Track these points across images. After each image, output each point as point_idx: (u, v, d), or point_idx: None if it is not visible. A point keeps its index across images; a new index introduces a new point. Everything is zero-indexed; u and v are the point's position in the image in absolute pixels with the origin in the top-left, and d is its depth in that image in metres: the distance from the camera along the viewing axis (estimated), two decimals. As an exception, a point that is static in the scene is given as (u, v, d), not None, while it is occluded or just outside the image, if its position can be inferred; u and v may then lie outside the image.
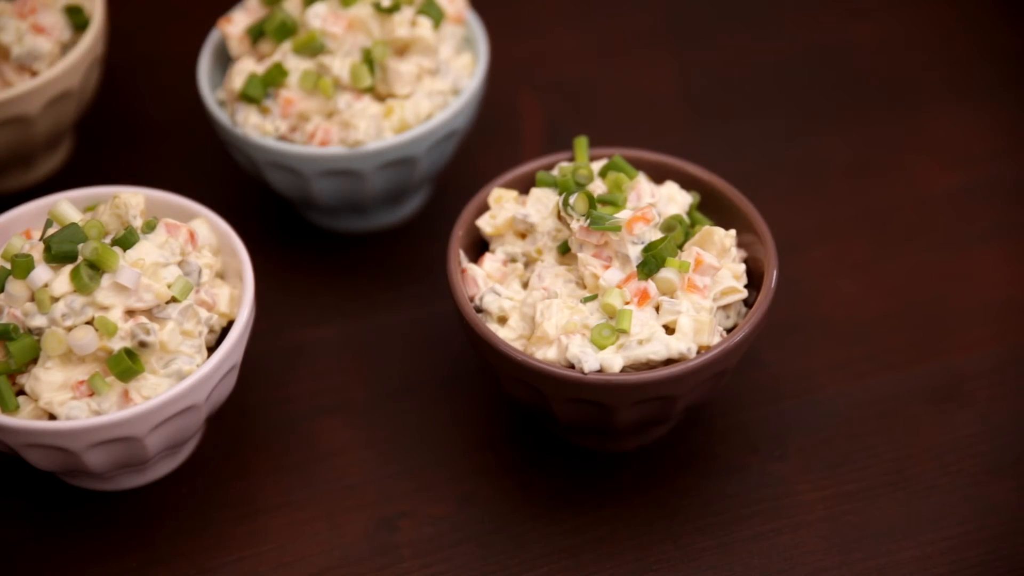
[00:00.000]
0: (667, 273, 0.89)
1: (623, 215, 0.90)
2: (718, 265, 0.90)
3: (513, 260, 0.95)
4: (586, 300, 0.90)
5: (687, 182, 0.98)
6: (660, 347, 0.88)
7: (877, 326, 1.04)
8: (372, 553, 0.93)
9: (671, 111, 1.21)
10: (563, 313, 0.89)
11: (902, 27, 1.27)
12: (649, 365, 0.88)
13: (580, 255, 0.91)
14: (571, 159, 0.98)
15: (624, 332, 0.87)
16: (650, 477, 0.96)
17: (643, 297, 0.88)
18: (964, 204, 1.12)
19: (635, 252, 0.90)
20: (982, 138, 1.17)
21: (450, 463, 0.97)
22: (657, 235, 0.91)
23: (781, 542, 0.92)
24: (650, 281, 0.89)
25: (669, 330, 0.89)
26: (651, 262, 0.89)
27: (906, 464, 0.96)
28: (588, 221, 0.90)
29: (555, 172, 0.96)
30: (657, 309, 0.89)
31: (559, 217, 0.93)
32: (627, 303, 0.89)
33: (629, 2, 1.31)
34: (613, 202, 0.92)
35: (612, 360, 0.87)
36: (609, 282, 0.89)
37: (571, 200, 0.91)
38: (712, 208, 0.97)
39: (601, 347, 0.88)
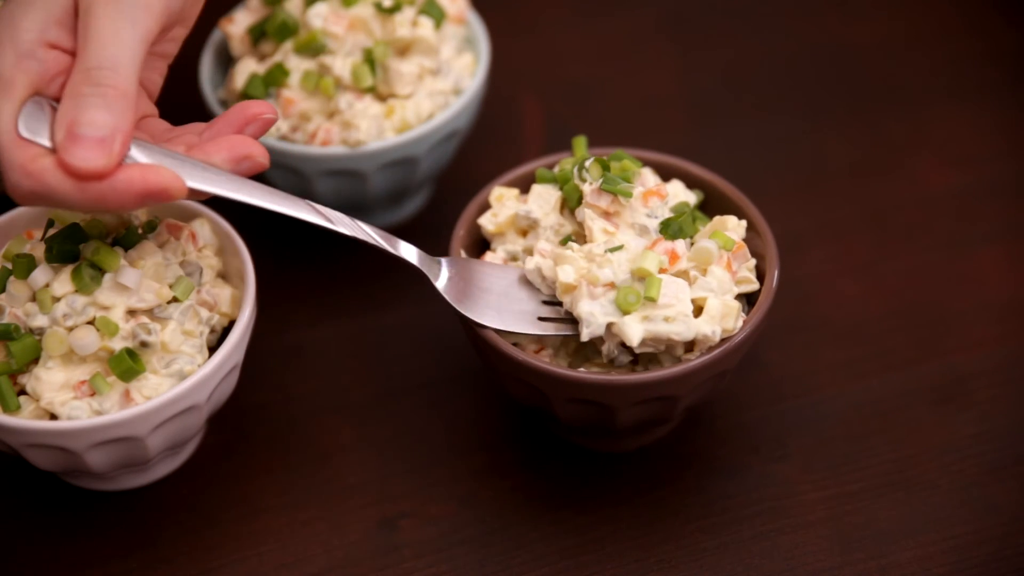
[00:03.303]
0: (707, 244, 0.88)
1: (638, 189, 0.90)
2: (750, 258, 0.90)
3: (514, 258, 0.95)
4: (613, 250, 0.88)
5: (688, 182, 0.98)
6: (682, 327, 0.85)
7: (878, 326, 1.04)
8: (373, 553, 0.93)
9: (672, 111, 1.21)
10: (579, 263, 0.88)
11: (903, 27, 1.27)
12: (668, 343, 0.87)
13: (587, 215, 0.90)
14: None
15: (652, 300, 0.85)
16: (651, 477, 0.96)
17: (673, 257, 0.88)
18: (965, 204, 1.12)
19: (653, 225, 0.89)
20: (983, 138, 1.17)
21: (451, 463, 0.97)
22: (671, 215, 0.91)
23: (782, 542, 0.92)
24: (678, 242, 0.88)
25: (696, 308, 0.88)
26: (673, 226, 0.88)
27: (907, 464, 0.96)
28: (601, 181, 0.89)
29: (556, 171, 0.96)
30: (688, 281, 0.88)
31: (561, 210, 0.93)
32: (663, 270, 0.88)
33: (631, 2, 1.31)
34: (626, 180, 0.91)
35: (633, 328, 0.85)
36: (633, 247, 0.88)
37: (587, 164, 0.91)
38: (713, 208, 0.97)
39: (625, 311, 0.86)
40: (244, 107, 0.86)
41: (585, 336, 0.86)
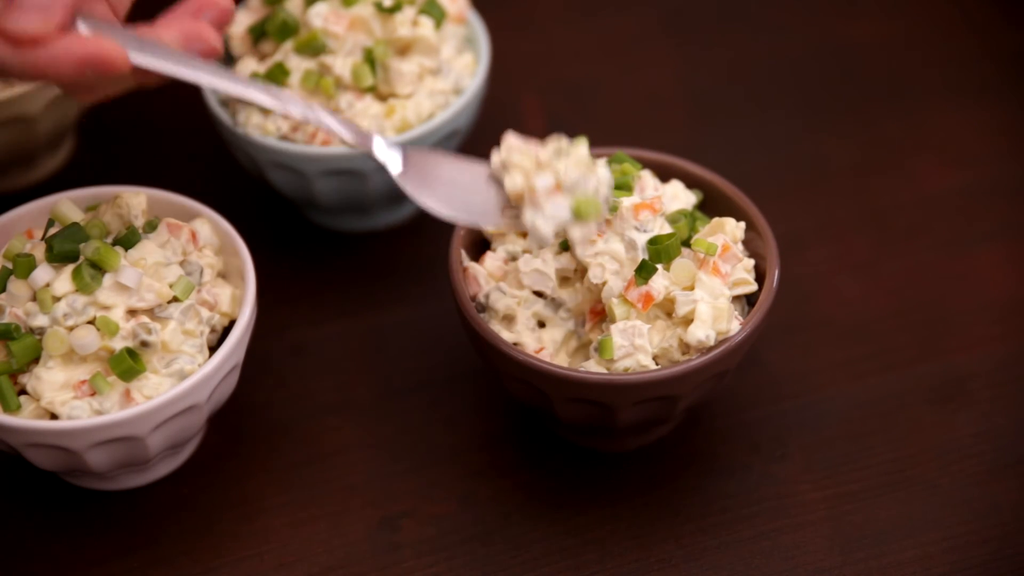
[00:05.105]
0: (683, 261, 0.88)
1: (630, 200, 0.90)
2: (741, 256, 0.90)
3: (514, 258, 0.95)
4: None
5: (689, 181, 0.97)
6: (643, 366, 0.88)
7: (879, 326, 1.04)
8: (374, 553, 0.93)
9: (673, 111, 1.21)
10: (527, 169, 0.86)
11: (904, 26, 1.27)
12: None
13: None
14: (572, 159, 0.98)
15: (609, 359, 0.87)
16: (651, 477, 0.96)
17: (647, 300, 0.88)
18: (966, 203, 1.12)
19: (642, 240, 0.89)
20: (984, 137, 1.17)
21: (451, 463, 0.97)
22: (664, 227, 0.90)
23: (783, 542, 0.92)
24: (654, 280, 0.88)
25: (686, 322, 0.88)
26: (655, 258, 0.88)
27: (907, 464, 0.96)
28: None
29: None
30: (669, 315, 0.89)
31: None
32: (632, 305, 0.88)
33: (631, 1, 1.31)
34: (624, 184, 0.91)
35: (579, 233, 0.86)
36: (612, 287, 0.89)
37: None
38: (714, 207, 0.97)
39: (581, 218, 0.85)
40: None
41: (534, 249, 0.85)
